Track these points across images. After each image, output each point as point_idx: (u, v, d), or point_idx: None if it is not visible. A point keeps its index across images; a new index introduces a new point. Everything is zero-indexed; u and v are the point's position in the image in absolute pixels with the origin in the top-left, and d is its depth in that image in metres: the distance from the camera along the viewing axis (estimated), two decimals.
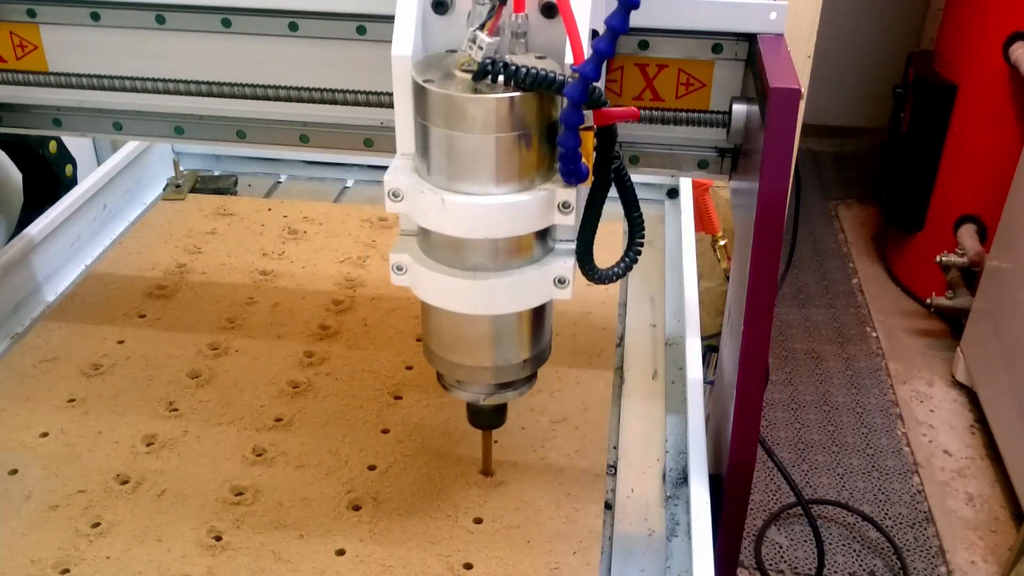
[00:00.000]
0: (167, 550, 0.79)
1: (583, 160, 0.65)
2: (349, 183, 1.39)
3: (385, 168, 1.44)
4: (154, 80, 0.94)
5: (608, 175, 0.70)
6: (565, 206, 0.68)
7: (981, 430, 2.54)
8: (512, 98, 0.63)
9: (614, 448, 0.92)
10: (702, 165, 0.91)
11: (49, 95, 0.99)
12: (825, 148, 4.04)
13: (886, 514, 2.29)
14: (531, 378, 0.79)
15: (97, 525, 0.81)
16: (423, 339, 0.79)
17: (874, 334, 2.96)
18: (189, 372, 0.99)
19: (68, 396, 0.96)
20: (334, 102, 0.90)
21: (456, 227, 0.67)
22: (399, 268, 0.72)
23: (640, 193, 1.36)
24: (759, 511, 2.31)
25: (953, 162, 2.84)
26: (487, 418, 0.82)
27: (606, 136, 0.68)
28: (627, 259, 0.75)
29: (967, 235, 2.79)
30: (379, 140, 0.96)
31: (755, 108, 0.78)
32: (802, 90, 1.32)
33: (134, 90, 0.94)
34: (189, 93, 0.94)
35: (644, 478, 0.89)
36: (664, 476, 0.89)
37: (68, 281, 1.15)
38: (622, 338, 1.07)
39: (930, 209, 2.95)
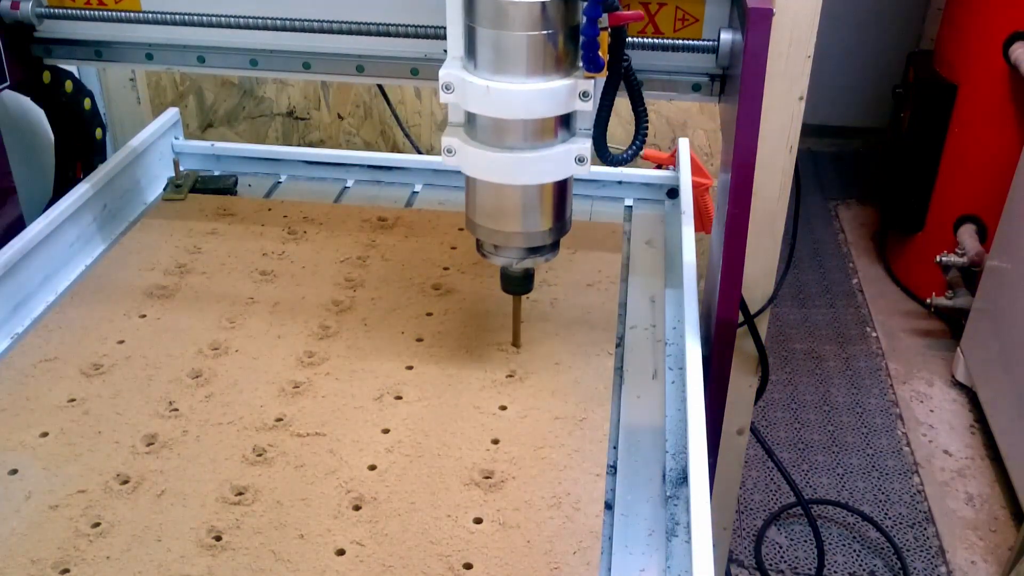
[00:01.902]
0: (167, 550, 0.79)
1: (600, 54, 0.81)
2: (349, 183, 1.39)
3: (385, 168, 1.46)
4: (234, 16, 1.09)
5: (619, 69, 0.86)
6: (584, 95, 0.84)
7: (981, 430, 2.54)
8: (544, 3, 0.79)
9: (614, 448, 0.92)
10: (695, 88, 1.09)
11: (142, 32, 1.16)
12: (825, 148, 4.04)
13: (886, 514, 2.30)
14: (554, 246, 0.95)
15: (97, 525, 0.81)
16: (467, 213, 0.94)
17: (874, 334, 2.96)
18: (189, 372, 0.99)
19: (68, 396, 0.96)
20: (387, 34, 1.07)
21: (498, 110, 0.84)
22: (449, 151, 0.88)
23: (640, 193, 1.37)
24: (759, 511, 2.31)
25: (953, 162, 2.84)
26: (518, 284, 0.99)
27: (617, 35, 0.84)
28: (635, 145, 0.91)
29: (967, 235, 2.80)
30: (423, 69, 1.12)
31: (739, 36, 0.95)
32: (802, 89, 1.33)
33: (218, 25, 1.10)
34: (266, 28, 1.10)
35: (644, 478, 0.89)
36: (664, 476, 0.89)
37: (68, 281, 1.15)
38: (622, 338, 1.07)
39: (930, 209, 2.95)
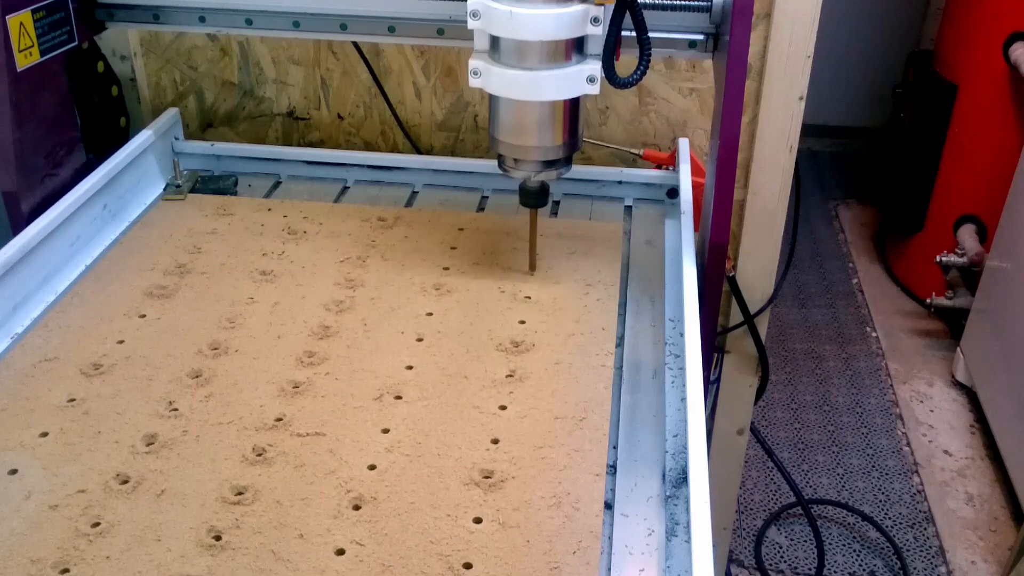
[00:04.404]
0: (167, 550, 0.79)
1: None
2: (349, 183, 1.39)
3: (385, 168, 1.46)
4: None
5: None
6: (595, 20, 0.96)
7: (981, 430, 2.55)
8: None
9: (614, 448, 0.92)
10: (692, 45, 1.19)
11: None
12: (825, 148, 4.04)
13: (886, 514, 2.30)
14: (568, 161, 1.06)
15: (97, 525, 0.81)
16: (490, 131, 1.06)
17: (874, 334, 2.97)
18: (189, 372, 0.99)
19: (68, 396, 0.96)
20: None
21: (519, 32, 0.95)
22: (475, 73, 1.00)
23: (640, 192, 1.37)
24: (759, 511, 2.31)
25: (953, 162, 2.85)
26: (535, 197, 1.10)
27: None
28: (639, 70, 1.00)
29: (967, 235, 2.80)
30: (449, 30, 1.23)
31: None
32: (802, 89, 1.34)
33: None
34: None
35: (644, 478, 0.89)
36: (664, 476, 0.89)
37: (68, 281, 1.15)
38: (622, 338, 1.07)
39: (930, 209, 2.95)
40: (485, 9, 0.96)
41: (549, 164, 1.05)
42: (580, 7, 0.95)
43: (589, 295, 1.12)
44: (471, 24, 0.97)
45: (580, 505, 0.84)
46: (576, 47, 0.98)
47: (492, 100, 1.03)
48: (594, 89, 0.99)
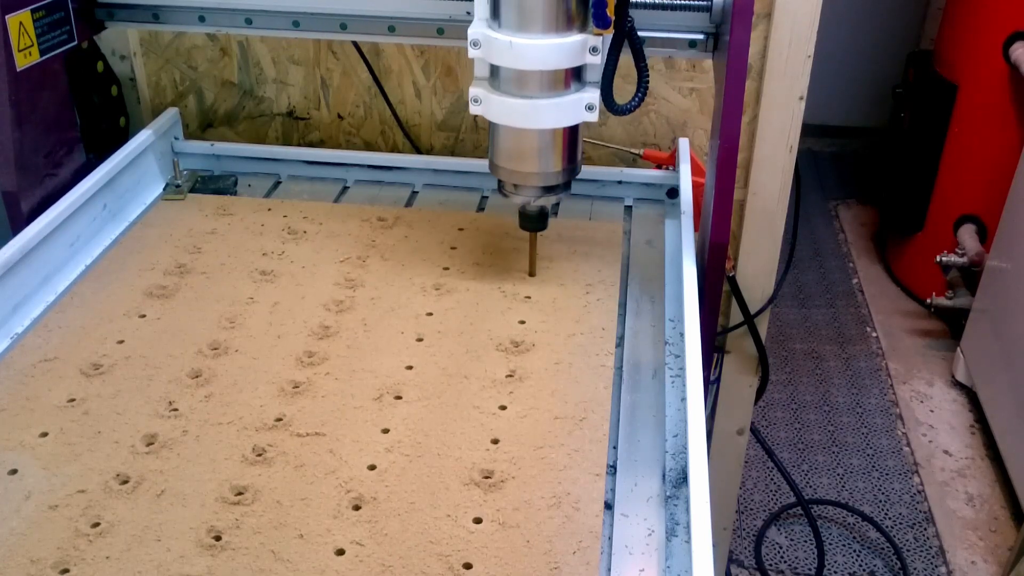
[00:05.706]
0: (167, 550, 0.79)
1: (608, 12, 0.94)
2: (349, 183, 1.39)
3: (385, 168, 1.46)
4: None
5: (624, 27, 0.99)
6: (594, 50, 0.97)
7: (981, 430, 2.55)
8: None
9: (614, 448, 0.92)
10: (692, 44, 1.20)
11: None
12: (825, 148, 4.04)
13: (886, 514, 2.30)
14: (567, 186, 1.07)
15: (97, 525, 0.81)
16: (490, 157, 1.06)
17: (874, 334, 2.97)
18: (189, 372, 0.99)
19: (68, 396, 0.96)
20: None
21: (519, 62, 0.97)
22: (475, 100, 1.01)
23: (640, 193, 1.37)
24: (759, 511, 2.32)
25: (953, 162, 2.85)
26: (534, 221, 1.11)
27: None
28: (637, 97, 1.02)
29: (967, 235, 2.80)
30: (449, 29, 1.24)
31: None
32: (802, 89, 1.35)
33: None
34: None
35: (644, 478, 0.89)
36: (664, 476, 0.89)
37: (68, 281, 1.15)
38: (622, 338, 1.07)
39: (930, 209, 2.95)
40: (485, 39, 0.97)
41: (548, 189, 1.06)
42: (579, 37, 0.96)
43: (589, 295, 1.12)
44: (471, 53, 0.98)
45: (580, 505, 0.84)
46: (575, 75, 0.99)
47: (492, 126, 1.04)
48: (592, 117, 1.00)
